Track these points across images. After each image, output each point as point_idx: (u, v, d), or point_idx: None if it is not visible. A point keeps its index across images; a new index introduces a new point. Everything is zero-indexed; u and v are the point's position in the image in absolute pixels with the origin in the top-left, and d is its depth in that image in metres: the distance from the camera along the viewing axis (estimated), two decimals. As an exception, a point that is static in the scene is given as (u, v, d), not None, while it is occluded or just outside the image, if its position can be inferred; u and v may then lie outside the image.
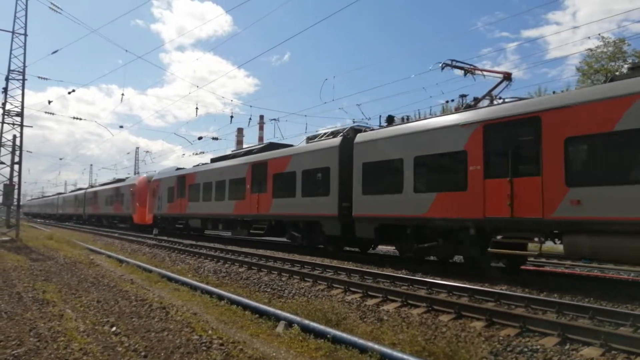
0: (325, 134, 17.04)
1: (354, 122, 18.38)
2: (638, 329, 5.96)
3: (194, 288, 9.86)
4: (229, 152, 26.18)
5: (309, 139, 17.66)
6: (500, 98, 12.26)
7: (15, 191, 24.34)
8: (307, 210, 16.04)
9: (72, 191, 63.52)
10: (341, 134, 15.45)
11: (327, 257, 14.15)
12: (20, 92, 24.12)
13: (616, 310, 6.60)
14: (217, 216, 22.03)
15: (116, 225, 39.33)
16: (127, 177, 40.76)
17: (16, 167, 24.37)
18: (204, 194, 23.02)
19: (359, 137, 14.24)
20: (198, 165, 26.23)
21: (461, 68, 13.67)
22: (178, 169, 28.45)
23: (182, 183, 25.54)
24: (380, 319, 7.27)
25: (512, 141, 9.93)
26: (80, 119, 73.79)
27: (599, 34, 29.85)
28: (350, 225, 14.18)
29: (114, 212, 38.76)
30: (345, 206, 14.32)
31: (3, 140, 24.33)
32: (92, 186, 52.38)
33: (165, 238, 23.66)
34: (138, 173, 37.69)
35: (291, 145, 19.18)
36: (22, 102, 24.09)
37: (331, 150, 15.17)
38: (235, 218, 20.28)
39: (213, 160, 24.58)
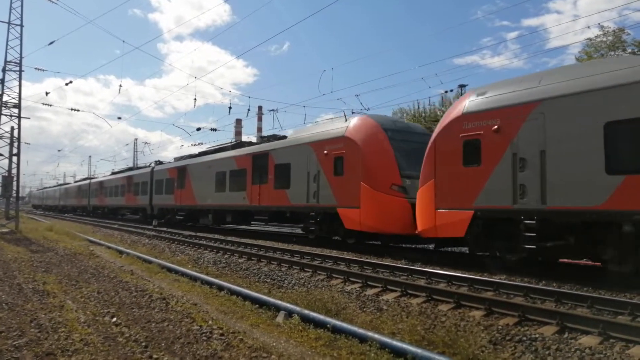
0: None
1: (352, 112, 17.88)
2: (636, 317, 5.99)
3: (194, 279, 9.90)
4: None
5: None
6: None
7: (14, 183, 24.38)
8: None
9: (116, 172, 41.09)
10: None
11: (326, 248, 14.19)
12: (17, 83, 24.09)
13: (614, 299, 6.62)
14: None
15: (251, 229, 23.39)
16: (278, 136, 19.70)
17: (14, 158, 24.36)
18: None
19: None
20: None
21: None
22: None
23: None
24: (379, 309, 7.32)
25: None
26: (78, 110, 73.36)
27: (599, 23, 29.63)
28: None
29: (248, 205, 19.06)
30: None
31: (1, 132, 24.31)
32: (159, 162, 31.24)
33: (164, 229, 23.66)
34: (346, 115, 15.17)
35: None
36: (20, 93, 24.05)
37: None
38: None
39: None
